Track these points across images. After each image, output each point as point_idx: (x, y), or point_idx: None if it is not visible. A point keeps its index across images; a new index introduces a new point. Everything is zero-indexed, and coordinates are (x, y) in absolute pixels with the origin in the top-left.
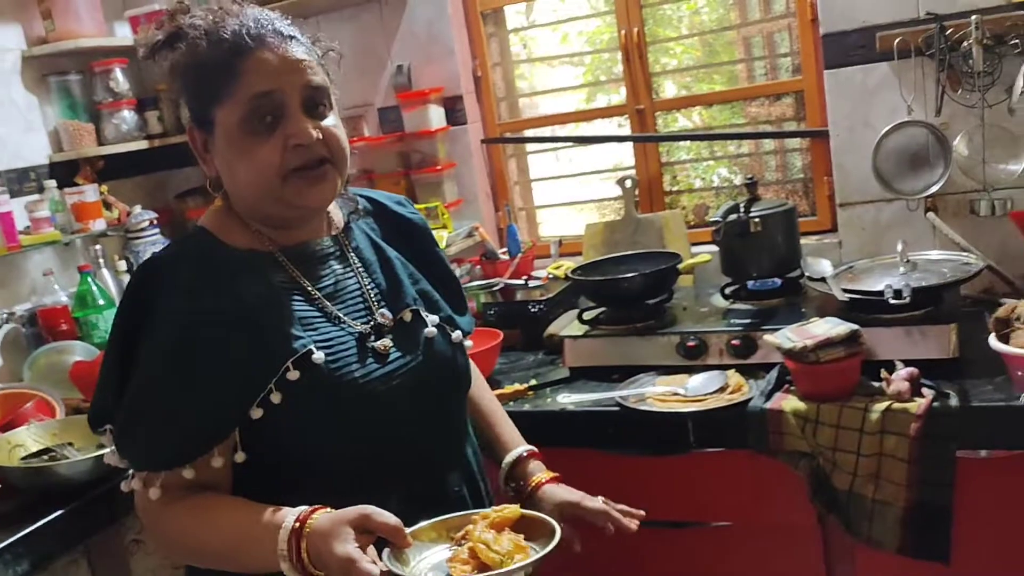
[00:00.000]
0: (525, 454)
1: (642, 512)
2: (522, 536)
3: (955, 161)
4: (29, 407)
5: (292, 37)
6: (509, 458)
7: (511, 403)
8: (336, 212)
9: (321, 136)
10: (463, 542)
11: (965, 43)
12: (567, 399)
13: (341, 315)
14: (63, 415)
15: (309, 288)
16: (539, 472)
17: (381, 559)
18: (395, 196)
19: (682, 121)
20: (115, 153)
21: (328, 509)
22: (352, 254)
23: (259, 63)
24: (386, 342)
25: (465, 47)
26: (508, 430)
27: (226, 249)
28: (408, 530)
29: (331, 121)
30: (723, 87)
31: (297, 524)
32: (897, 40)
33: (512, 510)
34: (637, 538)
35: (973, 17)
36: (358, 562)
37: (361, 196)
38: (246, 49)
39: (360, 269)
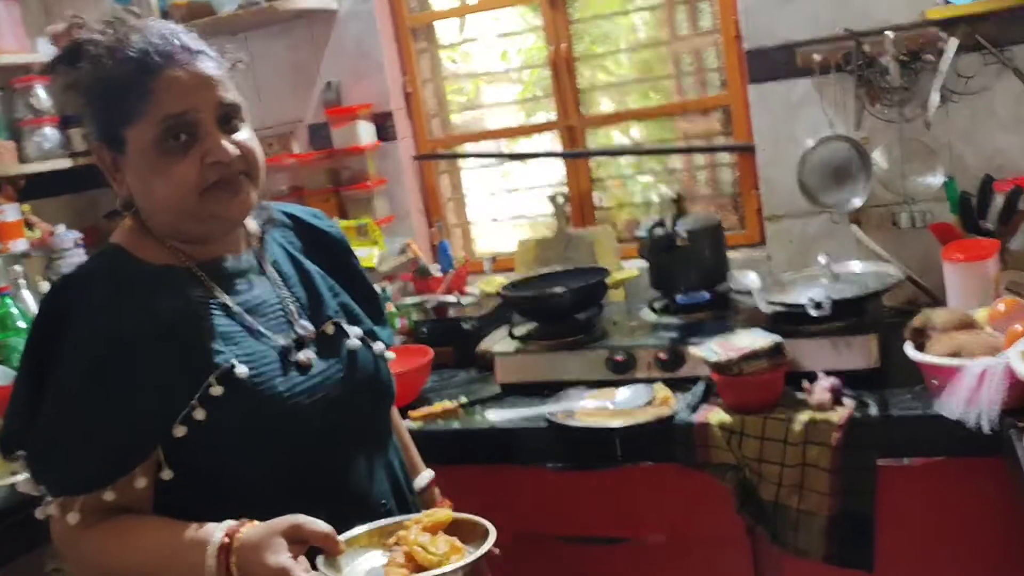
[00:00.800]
0: (431, 481)
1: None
2: (456, 538)
3: (876, 175)
4: None
5: (200, 52)
6: (419, 483)
7: (440, 421)
8: (251, 224)
9: (238, 151)
10: (397, 547)
11: (882, 59)
12: (496, 416)
13: (262, 328)
14: None
15: (228, 302)
16: (440, 499)
17: (315, 567)
18: (311, 209)
19: (618, 137)
20: (38, 172)
21: (256, 522)
22: (270, 268)
23: (170, 82)
24: (309, 354)
25: (395, 63)
26: (412, 453)
27: (142, 265)
28: (341, 537)
29: (245, 135)
30: (659, 103)
31: (225, 539)
32: (817, 56)
33: (444, 514)
34: (567, 555)
35: (889, 34)
36: (292, 571)
37: (277, 209)
38: (155, 67)
39: (279, 283)
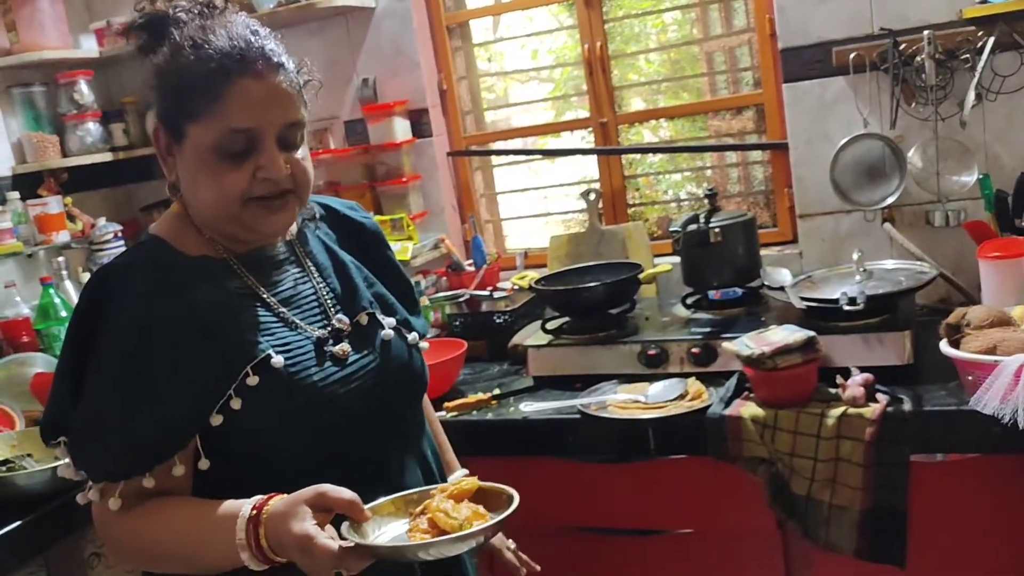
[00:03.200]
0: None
1: (536, 568)
2: (481, 507)
3: (910, 173)
4: None
5: (280, 65)
6: (453, 479)
7: (474, 412)
8: None
9: (290, 170)
10: (423, 515)
11: (918, 58)
12: (529, 408)
13: (297, 320)
14: (23, 427)
15: (264, 294)
16: None
17: (340, 535)
18: (346, 201)
19: (648, 136)
20: (79, 165)
21: (284, 495)
22: (307, 259)
23: (243, 92)
24: (345, 347)
25: (430, 60)
26: (447, 450)
27: (180, 256)
28: (367, 506)
29: (301, 153)
30: (690, 102)
31: (254, 512)
32: (852, 55)
33: (470, 482)
34: (598, 546)
35: (925, 32)
36: (315, 538)
37: (314, 202)
38: (232, 72)
39: (315, 274)
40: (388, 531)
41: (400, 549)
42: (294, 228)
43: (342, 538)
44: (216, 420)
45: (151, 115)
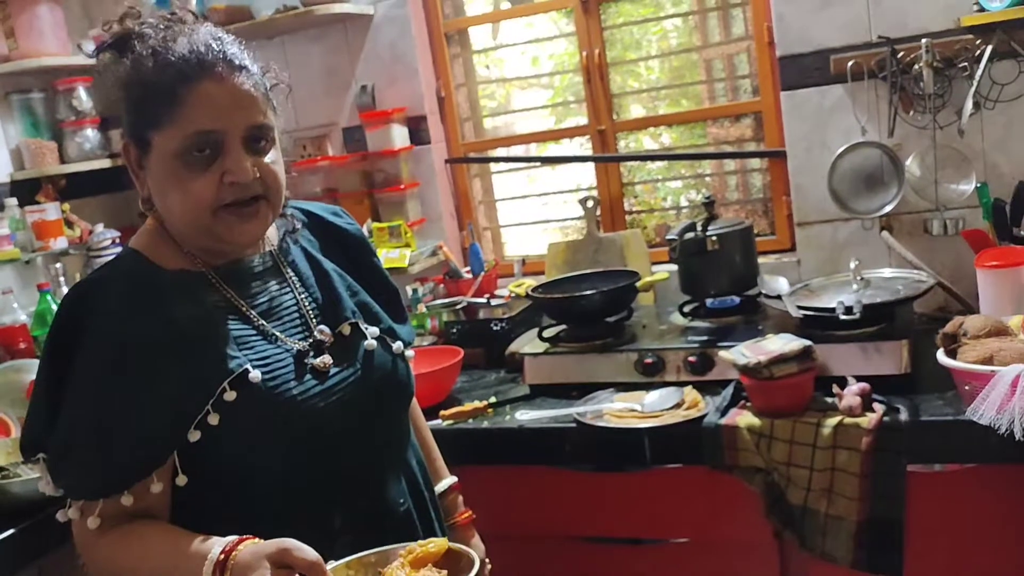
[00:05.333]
0: (453, 486)
1: None
2: (445, 572)
3: (908, 181)
4: None
5: (243, 68)
6: (439, 488)
7: (470, 421)
8: (271, 229)
9: (258, 173)
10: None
11: (916, 66)
12: (525, 416)
13: (278, 332)
14: (18, 434)
15: (243, 307)
16: (461, 508)
17: None
18: (331, 207)
19: (648, 143)
20: (78, 171)
21: (255, 540)
22: (288, 269)
23: (204, 95)
24: (326, 359)
25: (429, 68)
26: (435, 458)
27: (158, 270)
28: (329, 566)
29: (271, 157)
30: (689, 109)
31: (222, 556)
32: (850, 63)
33: (438, 544)
34: (594, 556)
35: (923, 41)
36: None
37: (296, 209)
38: (191, 76)
39: (297, 284)
40: None
41: None
42: (275, 238)
43: None
44: (194, 436)
45: (121, 130)
